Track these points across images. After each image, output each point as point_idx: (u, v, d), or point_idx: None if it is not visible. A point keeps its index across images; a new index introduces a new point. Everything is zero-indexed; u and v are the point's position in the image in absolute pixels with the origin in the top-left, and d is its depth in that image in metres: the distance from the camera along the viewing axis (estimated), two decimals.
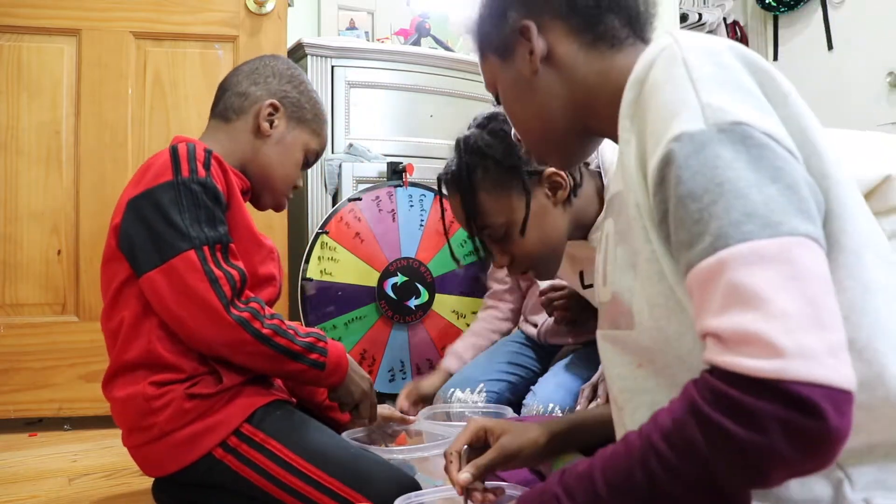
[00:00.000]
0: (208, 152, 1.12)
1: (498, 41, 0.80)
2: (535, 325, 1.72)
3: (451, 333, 2.04)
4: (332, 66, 2.16)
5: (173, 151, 1.10)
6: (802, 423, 0.48)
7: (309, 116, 1.29)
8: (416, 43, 2.60)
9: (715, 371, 0.52)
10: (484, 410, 1.50)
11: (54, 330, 1.89)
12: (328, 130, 1.35)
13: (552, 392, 1.45)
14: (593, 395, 1.38)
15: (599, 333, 0.76)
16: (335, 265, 1.90)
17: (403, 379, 1.98)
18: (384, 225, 1.96)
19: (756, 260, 0.52)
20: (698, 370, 0.56)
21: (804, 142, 0.59)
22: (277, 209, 1.32)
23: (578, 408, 1.38)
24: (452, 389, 1.60)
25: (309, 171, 2.10)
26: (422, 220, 2.00)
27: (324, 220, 1.92)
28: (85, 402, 1.86)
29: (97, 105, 1.92)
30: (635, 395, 0.69)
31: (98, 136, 1.92)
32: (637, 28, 0.77)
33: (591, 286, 1.29)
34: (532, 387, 1.53)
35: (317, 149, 1.32)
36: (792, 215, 0.53)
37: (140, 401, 1.07)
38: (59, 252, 1.90)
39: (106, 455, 1.61)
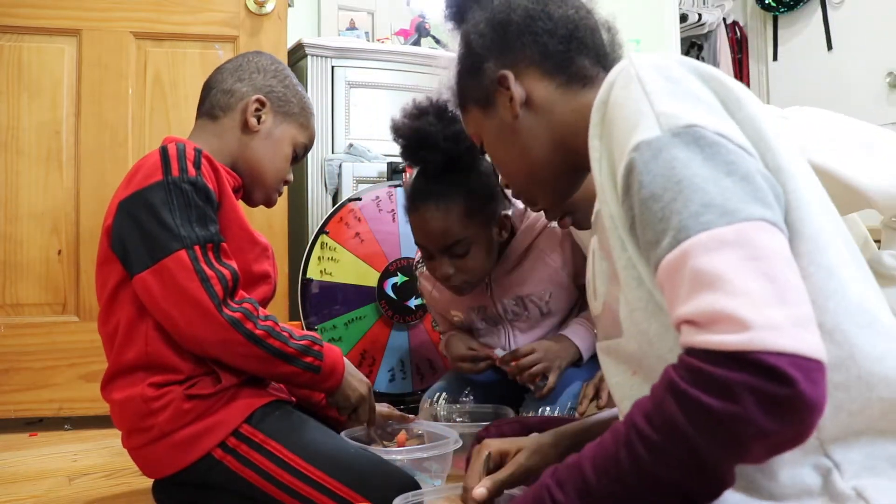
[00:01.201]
0: (198, 151, 1.12)
1: (478, 93, 0.86)
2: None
3: None
4: (332, 67, 2.16)
5: (163, 152, 1.10)
6: (773, 390, 0.50)
7: (296, 110, 1.30)
8: (416, 43, 2.62)
9: (690, 351, 0.55)
10: (482, 410, 1.50)
11: (54, 330, 1.89)
12: (315, 123, 1.35)
13: (543, 396, 1.44)
14: (595, 395, 1.38)
15: (598, 346, 0.78)
16: (335, 265, 1.90)
17: (403, 379, 1.98)
18: (384, 225, 1.96)
19: (716, 246, 0.54)
20: None
21: (759, 140, 0.62)
22: (269, 205, 1.32)
23: (580, 408, 1.38)
24: (438, 393, 1.57)
25: (309, 170, 2.12)
26: None
27: (324, 220, 1.92)
28: (85, 401, 1.86)
29: (97, 105, 1.92)
30: (632, 402, 0.69)
31: (98, 136, 1.92)
32: (606, 65, 0.83)
33: None
34: (525, 394, 1.51)
35: (305, 142, 1.32)
36: (747, 203, 0.56)
37: (139, 402, 1.07)
38: (59, 252, 1.90)
39: (106, 455, 1.62)
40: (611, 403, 1.34)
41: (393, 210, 1.96)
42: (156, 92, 1.97)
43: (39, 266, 1.89)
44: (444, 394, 1.56)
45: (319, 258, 1.88)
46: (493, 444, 0.92)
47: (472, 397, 1.54)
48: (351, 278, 1.92)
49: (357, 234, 1.92)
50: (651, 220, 0.59)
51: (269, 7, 2.01)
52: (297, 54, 2.18)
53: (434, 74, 2.27)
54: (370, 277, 1.93)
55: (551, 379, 1.41)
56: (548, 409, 1.40)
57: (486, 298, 1.51)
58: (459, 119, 1.19)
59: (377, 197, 1.95)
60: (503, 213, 1.41)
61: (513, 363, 1.43)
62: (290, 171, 1.32)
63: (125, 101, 1.94)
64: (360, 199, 1.94)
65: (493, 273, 1.47)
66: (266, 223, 1.99)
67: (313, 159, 2.13)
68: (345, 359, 1.19)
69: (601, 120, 0.68)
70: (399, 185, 1.99)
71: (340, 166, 2.09)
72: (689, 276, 0.55)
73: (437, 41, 2.68)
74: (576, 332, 1.47)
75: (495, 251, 1.43)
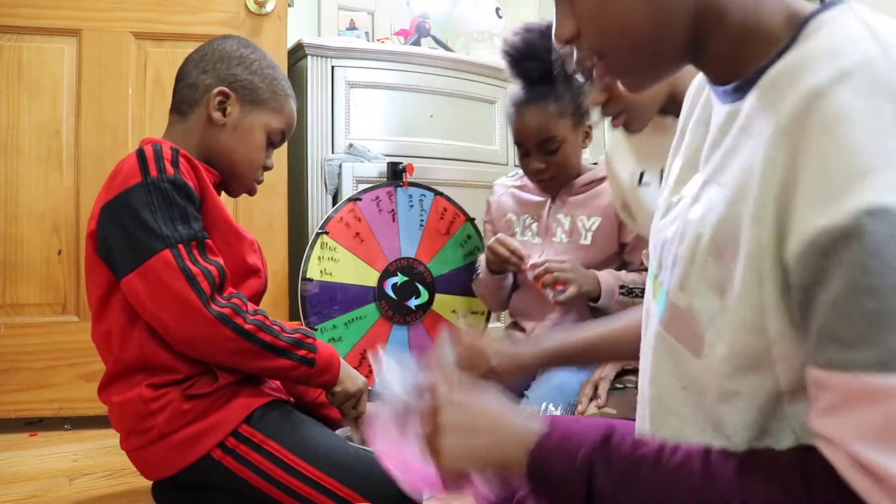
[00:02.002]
0: (175, 150, 1.11)
1: None
2: (524, 330, 1.70)
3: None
4: (333, 67, 2.15)
5: (140, 153, 1.09)
6: None
7: (265, 96, 1.24)
8: (416, 43, 2.61)
9: (842, 493, 0.48)
10: None
11: (54, 330, 1.89)
12: (293, 104, 1.30)
13: (545, 394, 1.44)
14: (594, 394, 1.38)
15: (657, 330, 0.67)
16: (335, 265, 1.90)
17: None
18: (384, 225, 1.95)
19: None
20: (751, 429, 0.55)
21: None
22: (250, 194, 1.30)
23: (579, 408, 1.38)
24: None
25: (309, 170, 2.11)
26: (422, 221, 2.00)
27: (324, 220, 1.92)
28: (85, 401, 1.86)
29: (97, 105, 1.92)
30: (666, 415, 0.66)
31: (98, 137, 1.92)
32: None
33: (647, 185, 1.38)
34: (525, 391, 1.52)
35: (281, 127, 1.27)
36: None
37: (138, 403, 1.07)
38: (59, 252, 1.90)
39: (106, 455, 1.62)
40: (610, 403, 1.34)
41: (393, 210, 1.96)
42: (156, 92, 1.97)
43: (39, 266, 1.89)
44: None
45: (319, 258, 1.88)
46: (467, 338, 0.92)
47: None
48: (351, 278, 1.92)
49: (357, 233, 1.91)
50: (852, 315, 0.46)
51: (269, 7, 2.01)
52: (297, 54, 2.18)
53: (433, 74, 2.29)
54: (370, 277, 1.93)
55: (571, 290, 1.49)
56: (550, 405, 1.40)
57: (543, 208, 1.69)
58: None
59: (377, 197, 1.95)
60: (588, 123, 1.62)
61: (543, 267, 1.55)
62: (269, 158, 1.28)
63: (125, 102, 1.94)
64: (360, 198, 1.94)
65: (560, 191, 1.67)
66: (266, 223, 2.00)
67: (313, 159, 2.12)
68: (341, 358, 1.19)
69: (802, 115, 0.49)
70: (399, 186, 1.99)
71: (340, 166, 2.08)
72: (883, 421, 0.45)
73: (438, 41, 2.68)
74: (604, 277, 1.56)
75: (580, 157, 1.65)
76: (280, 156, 2.08)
